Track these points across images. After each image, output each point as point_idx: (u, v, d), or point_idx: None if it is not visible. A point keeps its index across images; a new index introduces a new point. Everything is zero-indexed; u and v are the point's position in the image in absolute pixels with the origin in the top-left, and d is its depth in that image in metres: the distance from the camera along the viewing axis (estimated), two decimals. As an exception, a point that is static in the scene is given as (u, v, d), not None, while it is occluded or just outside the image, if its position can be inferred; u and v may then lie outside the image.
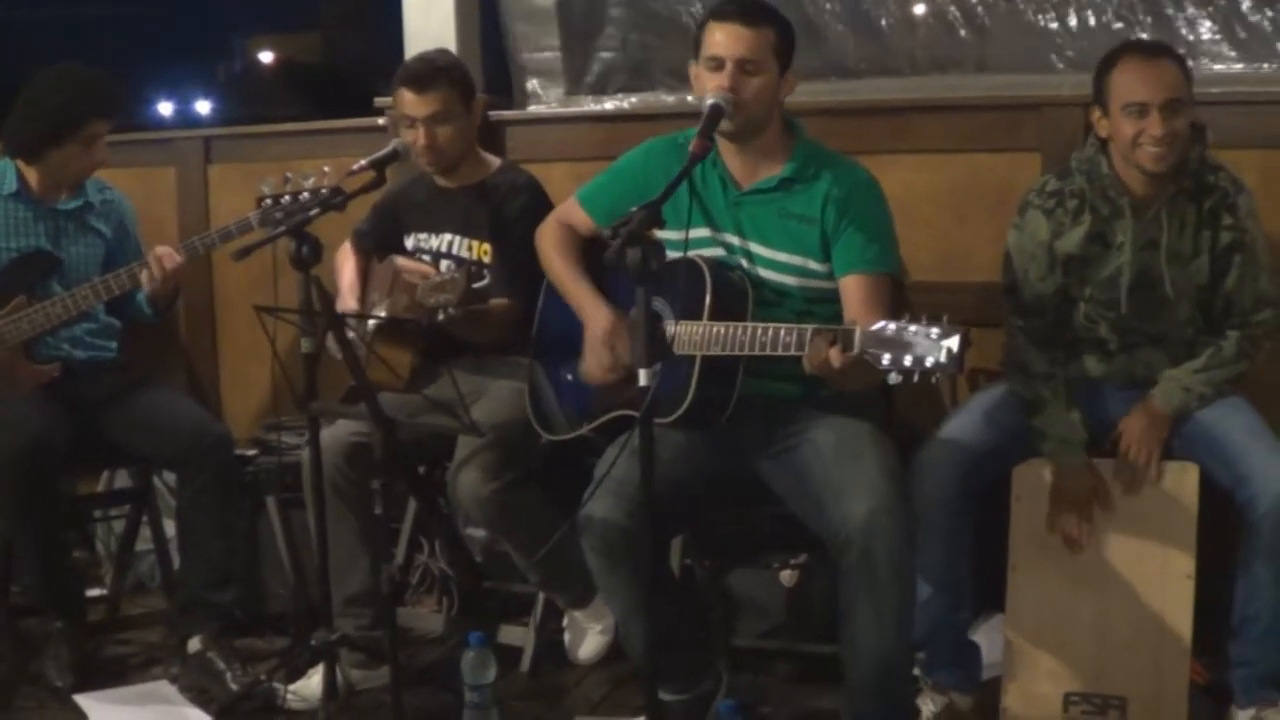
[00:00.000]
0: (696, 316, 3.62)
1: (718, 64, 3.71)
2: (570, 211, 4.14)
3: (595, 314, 3.91)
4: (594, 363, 3.89)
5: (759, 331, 3.51)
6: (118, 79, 4.78)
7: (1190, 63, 3.96)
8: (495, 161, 4.73)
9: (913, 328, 3.10)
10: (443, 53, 4.72)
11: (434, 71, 4.51)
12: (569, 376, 4.07)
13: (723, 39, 3.72)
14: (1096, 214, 3.90)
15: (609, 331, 3.86)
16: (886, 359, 3.11)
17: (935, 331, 3.07)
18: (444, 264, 4.57)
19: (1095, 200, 3.90)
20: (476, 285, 4.26)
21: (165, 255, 4.55)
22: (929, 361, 3.07)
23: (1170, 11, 4.87)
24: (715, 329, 3.59)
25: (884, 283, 3.76)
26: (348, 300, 4.60)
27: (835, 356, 3.27)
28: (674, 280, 3.54)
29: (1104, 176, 3.86)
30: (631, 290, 3.23)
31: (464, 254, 4.57)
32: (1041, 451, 3.92)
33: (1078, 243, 3.91)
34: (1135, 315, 3.93)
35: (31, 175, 4.75)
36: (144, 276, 4.56)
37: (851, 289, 3.73)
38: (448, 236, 4.62)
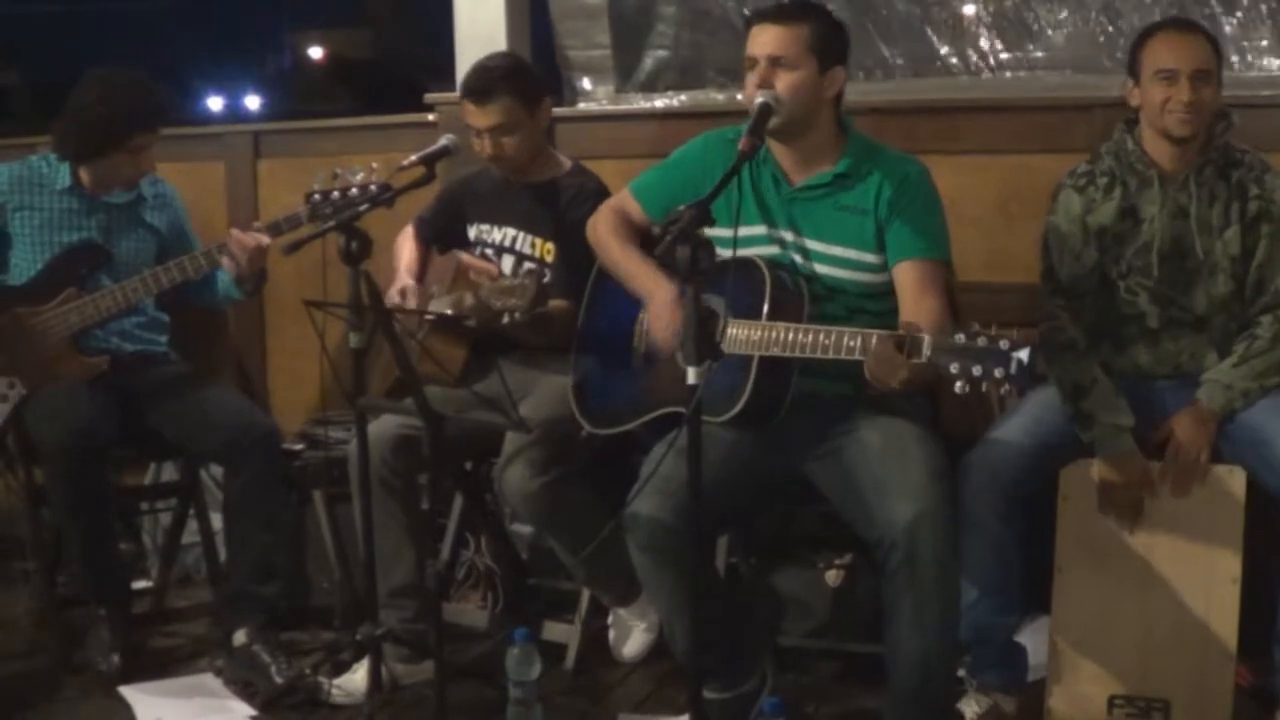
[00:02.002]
0: (755, 316, 3.63)
1: (752, 63, 3.76)
2: (624, 202, 4.14)
3: (660, 285, 3.83)
4: (667, 333, 3.77)
5: (821, 335, 3.49)
6: (161, 86, 4.78)
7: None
8: (567, 163, 4.70)
9: (982, 339, 3.10)
10: (505, 57, 4.70)
11: (494, 82, 4.47)
12: (620, 371, 4.07)
13: (756, 39, 3.78)
14: (1126, 188, 3.94)
15: (678, 298, 3.72)
16: (955, 367, 3.11)
17: (1005, 343, 3.07)
18: (505, 259, 4.58)
19: (1124, 175, 3.95)
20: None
21: (248, 238, 4.51)
22: (998, 373, 3.07)
23: (1220, 13, 4.86)
24: (775, 331, 3.58)
25: (937, 268, 3.77)
26: (403, 278, 4.61)
27: (903, 363, 3.25)
28: (731, 279, 3.52)
29: (1130, 152, 3.93)
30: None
31: (526, 250, 4.58)
32: (1087, 438, 3.88)
33: (1110, 216, 3.95)
34: (1170, 285, 3.93)
35: (84, 174, 4.76)
36: (225, 262, 4.57)
37: (904, 275, 3.74)
38: (510, 231, 4.62)
